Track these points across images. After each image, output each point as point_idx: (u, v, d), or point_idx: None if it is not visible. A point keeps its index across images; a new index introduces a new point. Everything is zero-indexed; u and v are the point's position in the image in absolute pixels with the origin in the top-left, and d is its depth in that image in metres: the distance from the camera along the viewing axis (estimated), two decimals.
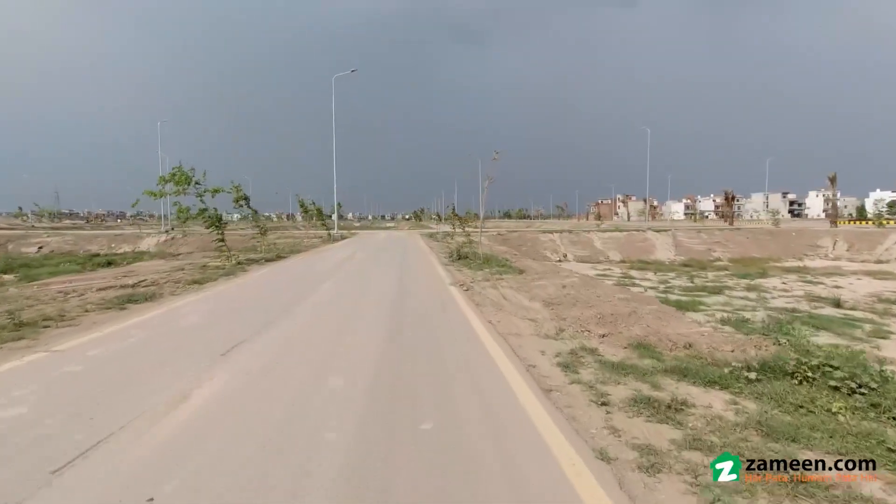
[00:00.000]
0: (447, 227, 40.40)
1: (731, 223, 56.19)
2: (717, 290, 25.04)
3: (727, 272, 35.46)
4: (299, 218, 44.93)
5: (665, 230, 46.65)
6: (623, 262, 43.04)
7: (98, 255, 39.16)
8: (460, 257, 17.69)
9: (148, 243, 41.31)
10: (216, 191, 17.74)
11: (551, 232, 45.98)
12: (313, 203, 32.28)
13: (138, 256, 35.74)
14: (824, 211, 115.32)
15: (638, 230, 47.34)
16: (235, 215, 75.56)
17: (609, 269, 36.80)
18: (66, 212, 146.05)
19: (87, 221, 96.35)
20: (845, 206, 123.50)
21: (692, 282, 29.34)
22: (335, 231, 31.76)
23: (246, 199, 18.93)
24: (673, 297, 20.86)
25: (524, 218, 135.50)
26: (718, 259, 43.74)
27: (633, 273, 34.80)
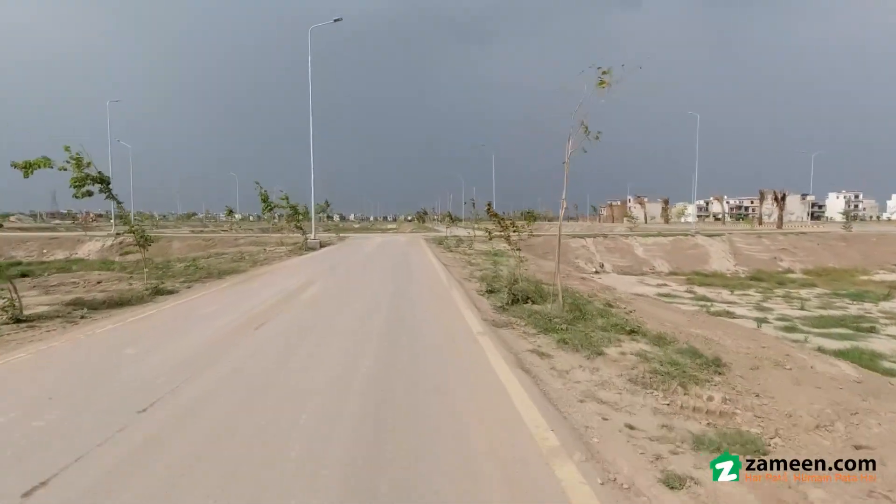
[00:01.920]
0: (463, 231, 31.08)
1: (779, 226, 46.72)
2: (863, 325, 15.83)
3: (820, 290, 26.20)
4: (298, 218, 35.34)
5: (717, 234, 37.33)
6: (674, 273, 33.60)
7: (20, 263, 30.00)
8: (517, 299, 8.28)
9: (89, 248, 32.00)
10: (28, 165, 8.46)
11: (582, 237, 36.55)
12: (287, 198, 23.01)
13: (66, 266, 26.54)
14: (844, 213, 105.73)
15: (685, 234, 37.88)
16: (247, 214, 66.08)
17: (665, 285, 27.39)
18: (65, 212, 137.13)
19: (74, 222, 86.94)
20: (864, 209, 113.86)
21: (803, 308, 20.03)
22: (311, 236, 22.45)
23: (102, 181, 9.64)
24: (822, 343, 11.63)
25: (534, 220, 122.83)
26: (790, 270, 34.28)
27: (701, 291, 25.47)
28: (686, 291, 24.88)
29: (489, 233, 10.90)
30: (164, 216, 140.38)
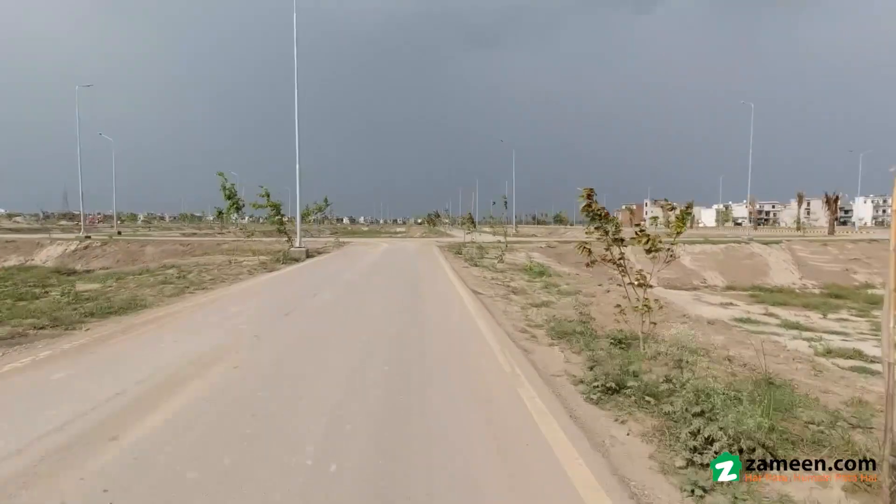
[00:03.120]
0: (485, 236, 25.08)
1: (831, 232, 40.46)
2: None
3: None
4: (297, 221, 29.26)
5: (774, 241, 31.36)
6: (731, 288, 27.61)
7: None
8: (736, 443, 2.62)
9: (48, 254, 26.79)
10: None
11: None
12: (267, 195, 17.44)
13: (9, 275, 21.35)
14: (874, 219, 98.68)
15: (736, 241, 31.88)
16: (254, 216, 61.41)
17: (731, 304, 21.46)
18: (77, 212, 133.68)
19: (77, 224, 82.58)
20: (883, 212, 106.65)
21: None
22: (296, 243, 16.97)
23: None
24: None
25: (562, 223, 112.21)
26: (869, 285, 28.07)
27: (781, 313, 19.62)
28: (764, 314, 19.00)
29: (585, 250, 5.27)
30: (175, 217, 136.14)
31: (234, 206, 15.06)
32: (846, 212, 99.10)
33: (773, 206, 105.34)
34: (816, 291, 26.76)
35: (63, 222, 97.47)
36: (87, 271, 24.41)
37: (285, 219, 18.31)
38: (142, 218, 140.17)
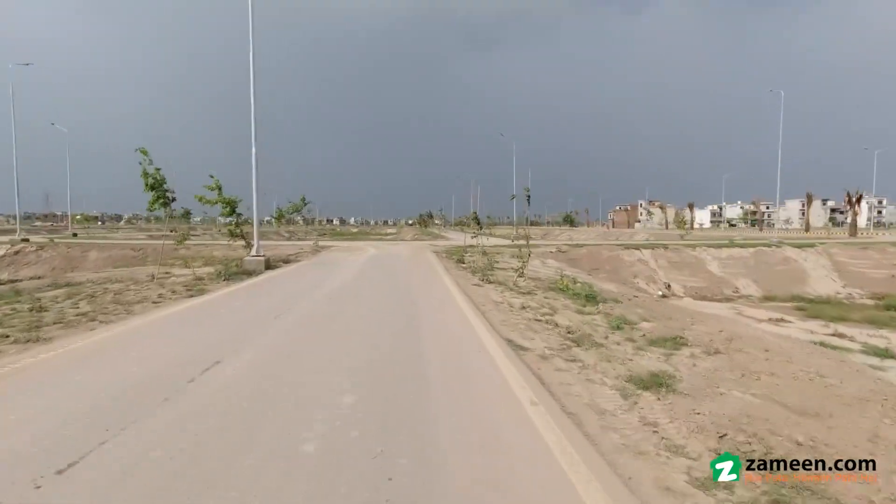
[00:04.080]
0: (501, 241, 20.89)
1: (852, 234, 36.88)
2: None
3: None
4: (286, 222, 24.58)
5: (808, 244, 27.64)
6: (768, 298, 23.74)
7: None
8: None
9: None
10: None
11: (638, 247, 26.72)
12: (219, 188, 13.18)
13: None
14: (868, 220, 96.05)
15: (766, 244, 28.06)
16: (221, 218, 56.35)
17: (782, 321, 17.58)
18: (59, 214, 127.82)
19: (52, 225, 77.49)
20: (885, 216, 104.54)
21: None
22: (254, 250, 12.61)
23: None
24: None
25: (572, 224, 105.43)
26: None
27: (850, 332, 15.83)
28: (832, 335, 14.97)
29: None
30: (177, 217, 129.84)
31: (160, 199, 10.51)
32: (842, 213, 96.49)
33: (768, 207, 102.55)
34: (868, 302, 22.99)
35: (38, 223, 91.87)
36: (13, 281, 19.78)
37: (241, 219, 14.06)
38: (125, 218, 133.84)
